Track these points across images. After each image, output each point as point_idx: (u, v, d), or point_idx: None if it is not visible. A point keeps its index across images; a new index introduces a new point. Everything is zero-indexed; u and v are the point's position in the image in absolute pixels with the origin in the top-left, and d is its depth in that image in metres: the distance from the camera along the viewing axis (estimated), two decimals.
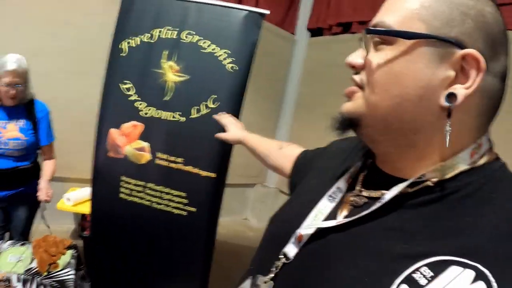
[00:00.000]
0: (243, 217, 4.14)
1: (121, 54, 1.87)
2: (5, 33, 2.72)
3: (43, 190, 1.82)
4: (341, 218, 0.49)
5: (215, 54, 1.76)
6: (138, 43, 1.85)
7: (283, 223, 0.60)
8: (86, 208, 2.53)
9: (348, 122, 0.49)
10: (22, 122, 1.80)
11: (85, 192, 2.66)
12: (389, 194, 0.44)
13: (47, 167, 1.94)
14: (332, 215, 0.51)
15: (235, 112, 1.77)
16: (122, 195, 1.90)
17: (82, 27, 2.92)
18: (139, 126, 1.81)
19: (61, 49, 2.87)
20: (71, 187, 2.94)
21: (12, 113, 1.78)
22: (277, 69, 3.88)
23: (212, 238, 1.91)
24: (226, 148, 1.80)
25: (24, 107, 1.82)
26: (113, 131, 1.83)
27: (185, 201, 1.85)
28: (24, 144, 1.78)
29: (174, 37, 1.80)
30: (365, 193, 0.50)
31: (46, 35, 2.82)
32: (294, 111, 4.03)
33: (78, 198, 2.69)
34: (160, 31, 1.82)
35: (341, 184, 0.55)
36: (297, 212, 0.57)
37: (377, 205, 0.44)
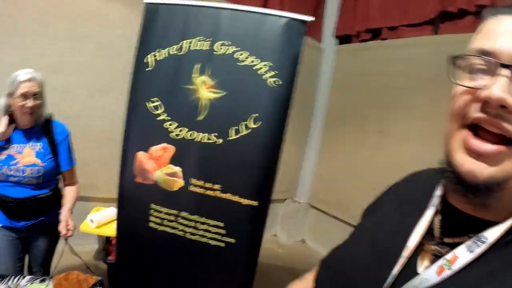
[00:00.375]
0: (272, 233, 3.91)
1: (146, 69, 1.68)
2: (23, 49, 2.59)
3: (63, 222, 1.63)
4: (422, 269, 0.46)
5: (254, 67, 1.55)
6: (166, 55, 1.66)
7: (358, 272, 0.53)
8: (110, 230, 2.37)
9: (485, 187, 0.41)
10: (39, 146, 1.62)
11: (109, 212, 2.51)
12: (491, 237, 0.42)
13: (68, 194, 1.76)
14: (411, 265, 0.48)
15: (279, 133, 1.56)
16: (151, 224, 1.71)
17: (103, 40, 2.78)
18: (170, 149, 1.62)
19: (81, 64, 2.73)
20: (95, 207, 2.78)
21: (28, 135, 1.60)
22: (305, 79, 3.62)
23: (252, 271, 1.70)
24: (269, 172, 1.59)
25: (40, 129, 1.64)
26: (140, 155, 1.64)
27: (222, 231, 1.64)
28: (41, 171, 1.59)
29: (207, 48, 1.60)
30: (448, 240, 0.47)
31: (65, 50, 2.68)
32: (325, 123, 3.79)
33: (102, 220, 2.52)
34: (190, 42, 1.63)
35: (419, 232, 0.50)
36: (377, 262, 0.52)
37: (479, 249, 0.42)
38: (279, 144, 1.60)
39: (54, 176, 1.71)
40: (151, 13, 1.70)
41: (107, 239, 2.65)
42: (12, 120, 1.56)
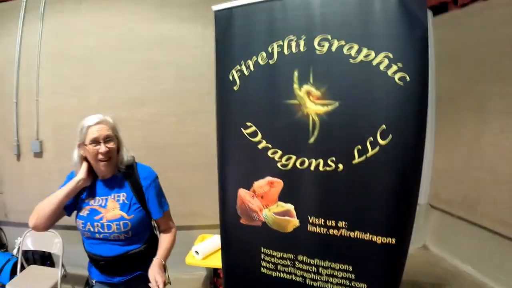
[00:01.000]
0: None
1: (233, 88, 1.39)
2: (105, 88, 2.62)
3: (152, 280, 1.39)
4: None
5: (372, 62, 1.13)
6: (253, 68, 1.35)
7: None
8: (218, 262, 2.19)
9: None
10: (122, 196, 1.40)
11: (215, 241, 2.37)
12: None
13: (163, 243, 1.52)
14: None
15: (416, 146, 1.12)
16: (264, 270, 1.42)
17: (182, 63, 2.66)
18: (277, 184, 1.30)
19: (165, 92, 2.65)
20: (200, 234, 2.67)
21: (110, 185, 1.40)
22: None
23: None
24: (409, 198, 1.16)
25: (123, 176, 1.46)
26: (242, 192, 1.36)
27: (351, 276, 1.27)
28: (128, 224, 1.37)
29: (303, 49, 1.24)
30: None
31: (146, 81, 2.64)
32: (437, 109, 3.19)
33: (207, 250, 2.37)
34: (280, 45, 1.29)
35: None
36: None
37: None
38: (418, 161, 1.15)
39: (145, 227, 1.50)
40: (225, 21, 1.41)
41: (215, 271, 2.49)
42: (91, 169, 1.41)
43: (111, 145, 1.34)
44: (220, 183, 1.45)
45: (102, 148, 1.30)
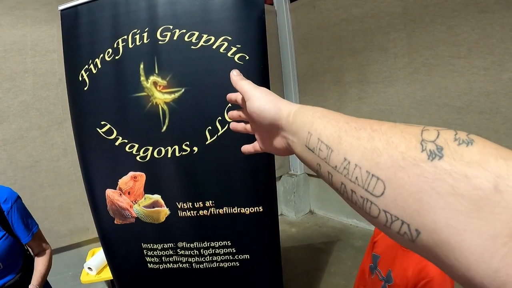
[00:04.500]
0: (279, 213, 3.61)
1: (84, 88, 1.28)
2: None
3: None
4: None
5: (212, 47, 1.16)
6: (100, 66, 1.25)
7: None
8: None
9: None
10: None
11: None
12: None
13: (37, 268, 1.31)
14: None
15: None
16: (151, 265, 1.37)
17: (41, 71, 2.32)
18: (140, 177, 1.25)
19: (25, 103, 2.27)
20: (90, 250, 2.41)
21: None
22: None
23: (279, 281, 1.39)
24: (266, 169, 1.25)
25: None
26: (110, 193, 1.27)
27: (233, 250, 1.32)
28: None
29: (146, 41, 1.20)
30: None
31: (4, 93, 2.22)
32: (300, 86, 3.44)
33: (100, 263, 2.15)
34: (125, 39, 1.22)
35: None
36: None
37: None
38: None
39: (16, 254, 1.28)
40: (71, 20, 1.28)
41: (112, 283, 2.29)
42: None
43: None
44: (87, 187, 1.32)
45: None
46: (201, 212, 1.25)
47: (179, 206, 1.25)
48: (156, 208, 1.25)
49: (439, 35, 2.21)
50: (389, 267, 0.94)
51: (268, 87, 1.21)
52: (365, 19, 2.62)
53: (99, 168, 1.28)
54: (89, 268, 2.17)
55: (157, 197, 1.25)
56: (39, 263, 1.30)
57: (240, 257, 1.31)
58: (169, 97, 1.18)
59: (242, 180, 1.24)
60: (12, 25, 2.25)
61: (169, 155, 1.21)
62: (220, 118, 1.18)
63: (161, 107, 1.19)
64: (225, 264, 1.32)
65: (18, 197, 1.28)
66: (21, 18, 2.28)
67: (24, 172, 2.31)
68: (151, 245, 1.33)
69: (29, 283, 1.27)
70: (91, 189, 1.32)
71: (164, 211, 1.26)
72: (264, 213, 1.25)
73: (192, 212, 1.25)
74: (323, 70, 3.12)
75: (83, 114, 1.29)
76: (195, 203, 1.24)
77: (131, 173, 1.23)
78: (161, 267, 1.37)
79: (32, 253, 1.37)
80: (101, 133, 1.25)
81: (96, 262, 2.17)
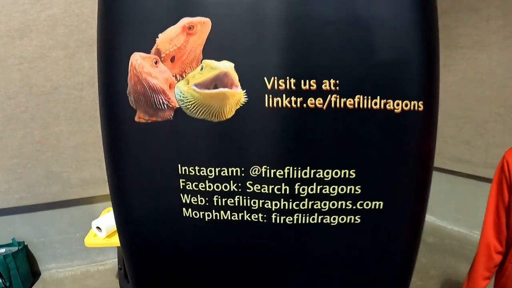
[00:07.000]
0: None
1: None
2: None
3: None
4: None
5: None
6: None
7: None
8: None
9: None
10: None
11: None
12: None
13: None
14: None
15: None
16: (189, 212, 0.74)
17: None
18: (202, 24, 0.62)
19: (53, 18, 1.80)
20: (106, 208, 1.86)
21: None
22: None
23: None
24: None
25: None
26: (137, 60, 0.65)
27: (355, 190, 0.67)
28: None
29: None
30: None
31: (31, 4, 1.79)
32: None
33: (113, 225, 1.59)
34: None
35: None
36: None
37: None
38: None
39: None
40: None
41: None
42: None
43: None
44: (103, 48, 0.72)
45: None
46: (310, 102, 0.60)
47: (269, 86, 0.61)
48: (220, 90, 0.62)
49: None
50: None
51: None
52: None
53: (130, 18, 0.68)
54: (97, 228, 1.61)
55: (227, 66, 0.61)
56: None
57: (367, 205, 0.66)
58: None
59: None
60: None
61: None
62: None
63: None
64: (338, 218, 0.67)
65: None
66: None
67: (38, 99, 1.82)
68: (197, 169, 0.70)
69: None
70: (109, 51, 0.71)
71: (237, 96, 0.62)
72: (424, 113, 0.61)
73: (293, 99, 0.60)
74: None
75: None
76: (303, 82, 0.59)
77: (186, 20, 0.62)
78: (207, 218, 0.74)
79: None
80: None
81: (107, 222, 1.61)
